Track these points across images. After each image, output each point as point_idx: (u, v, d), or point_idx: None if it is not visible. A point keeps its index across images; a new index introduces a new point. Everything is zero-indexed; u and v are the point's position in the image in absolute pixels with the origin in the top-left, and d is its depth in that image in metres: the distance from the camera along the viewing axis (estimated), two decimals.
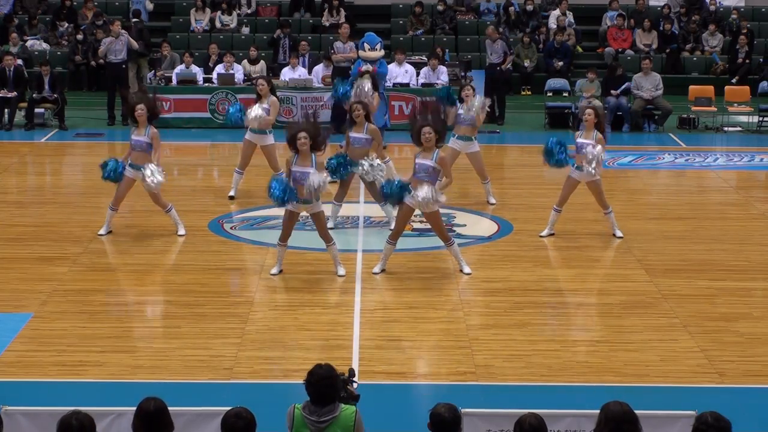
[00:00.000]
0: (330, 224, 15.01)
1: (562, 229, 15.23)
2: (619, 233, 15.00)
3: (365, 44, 21.24)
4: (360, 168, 14.52)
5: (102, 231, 14.92)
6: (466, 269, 13.46)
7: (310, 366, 6.98)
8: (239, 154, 17.28)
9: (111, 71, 23.59)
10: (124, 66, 23.54)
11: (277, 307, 12.44)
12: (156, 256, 14.22)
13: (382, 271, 13.48)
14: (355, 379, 7.22)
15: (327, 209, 15.40)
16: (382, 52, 21.20)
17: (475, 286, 13.14)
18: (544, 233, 15.04)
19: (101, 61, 25.42)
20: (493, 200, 16.90)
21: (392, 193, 13.09)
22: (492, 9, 29.14)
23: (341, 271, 13.37)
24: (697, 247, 14.85)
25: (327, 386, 6.86)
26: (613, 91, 23.37)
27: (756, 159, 20.94)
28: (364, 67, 19.06)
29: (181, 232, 14.94)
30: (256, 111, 16.47)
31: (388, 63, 23.51)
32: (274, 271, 13.40)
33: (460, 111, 16.24)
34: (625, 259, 14.21)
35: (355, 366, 10.58)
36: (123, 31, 23.67)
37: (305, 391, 6.91)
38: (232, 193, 17.01)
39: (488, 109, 17.12)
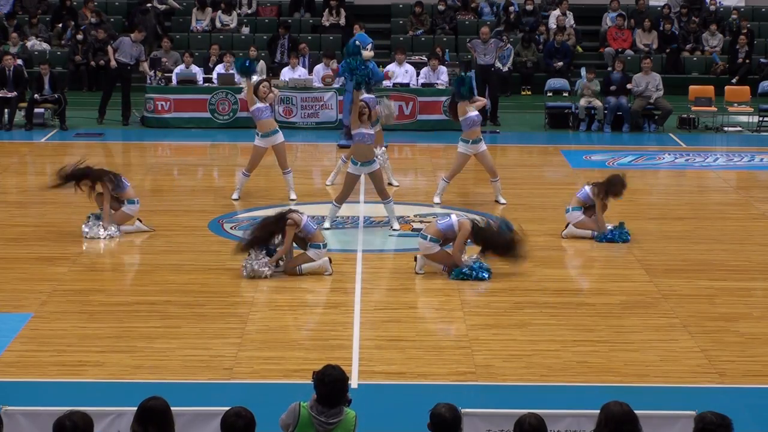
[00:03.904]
0: (326, 224, 15.07)
1: (561, 229, 15.21)
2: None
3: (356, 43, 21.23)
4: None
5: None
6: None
7: (311, 366, 6.99)
8: (248, 157, 17.16)
9: (117, 70, 23.48)
10: (129, 68, 23.53)
11: (277, 307, 12.44)
12: (156, 256, 14.22)
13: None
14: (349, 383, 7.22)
15: (325, 209, 15.45)
16: (372, 53, 21.18)
17: (475, 286, 13.13)
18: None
19: (102, 62, 25.47)
20: (502, 200, 16.84)
21: None
22: (491, 9, 29.14)
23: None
24: (697, 247, 14.84)
25: (340, 389, 6.89)
26: (611, 88, 23.38)
27: (756, 159, 20.94)
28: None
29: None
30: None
31: (389, 63, 23.55)
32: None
33: (471, 114, 16.22)
34: (625, 259, 14.21)
35: (355, 366, 10.59)
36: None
37: (314, 389, 6.90)
38: (236, 196, 16.96)
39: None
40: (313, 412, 6.88)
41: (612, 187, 14.76)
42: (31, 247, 14.49)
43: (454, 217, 13.31)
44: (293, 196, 16.85)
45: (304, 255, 13.31)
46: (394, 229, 15.18)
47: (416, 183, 18.95)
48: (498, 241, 13.16)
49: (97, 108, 23.69)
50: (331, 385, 6.87)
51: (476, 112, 16.34)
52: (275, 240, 13.24)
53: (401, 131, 22.26)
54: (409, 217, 15.86)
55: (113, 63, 23.51)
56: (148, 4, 27.58)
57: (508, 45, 25.81)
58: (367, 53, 20.98)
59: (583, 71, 23.94)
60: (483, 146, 16.46)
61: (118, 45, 23.56)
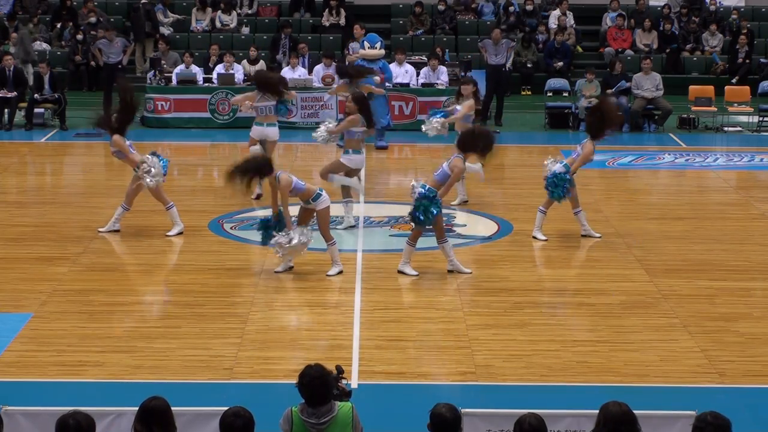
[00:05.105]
0: (351, 223, 15.23)
1: (561, 229, 15.23)
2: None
3: (365, 42, 21.31)
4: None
5: (103, 228, 15.02)
6: (458, 268, 13.46)
7: None
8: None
9: (106, 71, 23.65)
10: (120, 67, 23.61)
11: (277, 307, 12.44)
12: (156, 256, 14.23)
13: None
14: (344, 375, 7.20)
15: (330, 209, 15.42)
16: (383, 51, 21.22)
17: (475, 286, 13.14)
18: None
19: (102, 62, 25.52)
20: (465, 198, 16.76)
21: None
22: (492, 9, 29.15)
23: (333, 270, 13.43)
24: (697, 247, 14.85)
25: (320, 386, 6.81)
26: (609, 91, 23.39)
27: (756, 159, 20.94)
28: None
29: (173, 232, 14.90)
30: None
31: (389, 63, 23.54)
32: (280, 268, 13.44)
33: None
34: (625, 259, 14.21)
35: (355, 366, 10.59)
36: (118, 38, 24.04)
37: (298, 393, 6.88)
38: (259, 191, 16.96)
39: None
40: (304, 415, 6.84)
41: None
42: (31, 247, 14.49)
43: (445, 164, 13.34)
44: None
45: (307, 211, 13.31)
46: (351, 226, 15.33)
47: None
48: (476, 141, 13.31)
49: (96, 108, 23.69)
50: (310, 386, 6.81)
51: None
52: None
53: (401, 131, 22.25)
54: (408, 217, 15.83)
55: (101, 60, 23.77)
56: (142, 1, 27.72)
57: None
58: (377, 51, 21.02)
59: (583, 81, 23.92)
60: None
61: (99, 46, 23.81)
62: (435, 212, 12.98)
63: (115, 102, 15.16)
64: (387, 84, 21.48)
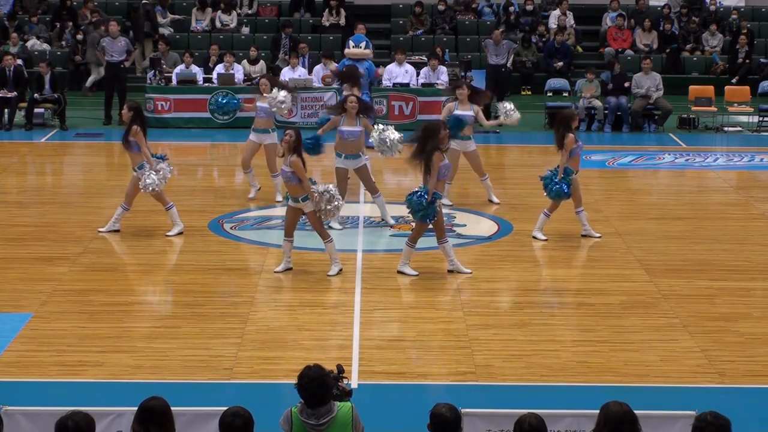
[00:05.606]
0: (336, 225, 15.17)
1: (561, 229, 15.24)
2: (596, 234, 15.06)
3: (350, 42, 21.33)
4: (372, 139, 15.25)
5: (103, 228, 15.01)
6: (459, 268, 13.45)
7: None
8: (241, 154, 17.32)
9: (109, 70, 23.69)
10: (122, 66, 23.62)
11: (277, 307, 12.45)
12: (156, 256, 14.23)
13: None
14: (344, 375, 7.19)
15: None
16: (368, 51, 21.19)
17: (475, 286, 13.14)
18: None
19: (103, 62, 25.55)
20: (495, 199, 16.82)
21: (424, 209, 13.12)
22: (492, 9, 29.15)
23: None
24: (697, 247, 14.85)
25: (319, 386, 6.79)
26: (609, 86, 23.41)
27: (756, 159, 20.94)
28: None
29: (173, 232, 14.90)
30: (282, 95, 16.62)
31: (389, 63, 23.55)
32: (280, 268, 13.43)
33: (457, 111, 16.23)
34: (625, 259, 14.21)
35: (355, 366, 10.59)
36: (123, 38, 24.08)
37: (297, 394, 6.88)
38: (254, 195, 16.99)
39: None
40: (303, 416, 6.83)
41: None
42: (31, 247, 14.49)
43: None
44: (279, 198, 16.79)
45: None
46: (390, 226, 15.23)
47: (416, 183, 18.91)
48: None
49: (97, 108, 23.76)
50: (309, 387, 6.79)
51: (470, 112, 16.33)
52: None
53: (401, 131, 22.22)
54: (408, 217, 15.83)
55: (104, 60, 23.83)
56: (142, 1, 27.75)
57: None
58: (361, 51, 20.98)
59: (583, 81, 23.92)
60: (473, 146, 16.48)
61: (103, 44, 23.85)
62: (419, 200, 13.11)
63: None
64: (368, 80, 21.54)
